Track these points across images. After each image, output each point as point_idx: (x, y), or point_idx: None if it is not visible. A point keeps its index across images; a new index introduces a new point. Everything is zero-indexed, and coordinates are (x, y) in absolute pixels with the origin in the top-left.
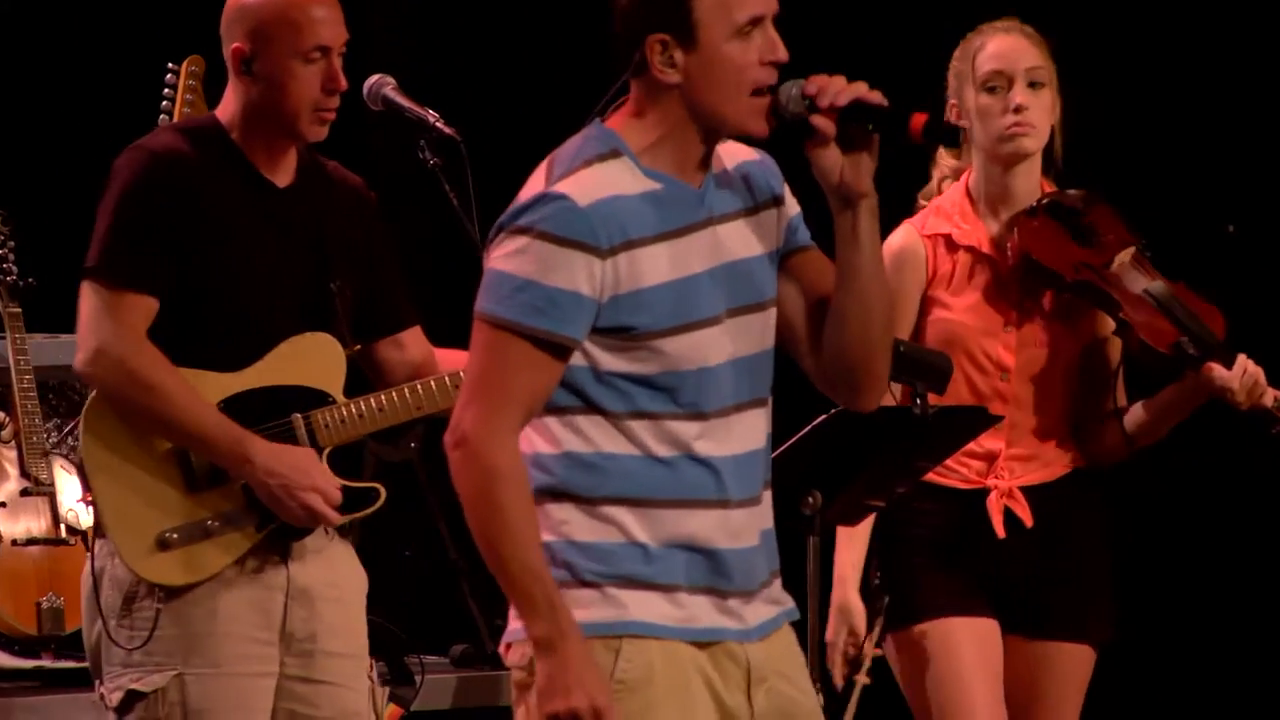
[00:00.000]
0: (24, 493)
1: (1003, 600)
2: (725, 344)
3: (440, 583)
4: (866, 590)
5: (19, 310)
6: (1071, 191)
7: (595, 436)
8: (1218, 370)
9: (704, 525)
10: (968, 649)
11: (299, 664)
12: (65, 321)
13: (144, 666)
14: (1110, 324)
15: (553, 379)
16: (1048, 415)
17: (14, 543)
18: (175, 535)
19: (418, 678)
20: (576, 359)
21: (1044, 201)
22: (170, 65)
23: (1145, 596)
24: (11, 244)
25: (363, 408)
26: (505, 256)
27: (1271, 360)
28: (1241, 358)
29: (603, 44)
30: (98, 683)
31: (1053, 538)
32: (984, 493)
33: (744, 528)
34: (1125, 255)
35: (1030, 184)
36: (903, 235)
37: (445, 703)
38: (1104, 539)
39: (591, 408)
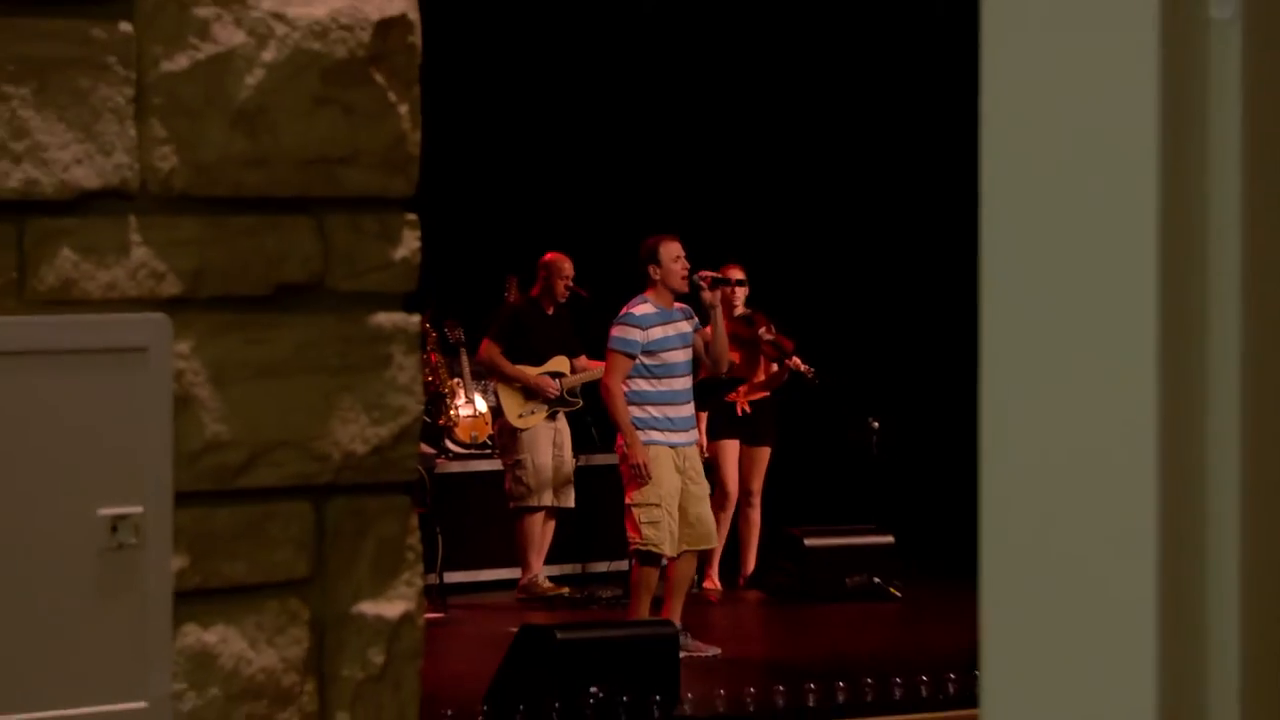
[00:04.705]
0: (465, 402)
1: (742, 433)
2: (682, 357)
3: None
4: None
5: (466, 351)
6: (746, 310)
7: (641, 385)
8: (789, 363)
9: (675, 409)
10: (729, 448)
11: (558, 460)
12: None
13: (520, 452)
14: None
15: (630, 365)
16: (749, 376)
17: (464, 416)
18: (523, 414)
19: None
20: (638, 360)
21: (736, 313)
22: (507, 278)
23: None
24: (462, 331)
25: (574, 377)
26: (618, 329)
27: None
28: (795, 357)
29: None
30: (502, 460)
31: (755, 417)
32: (735, 404)
33: (686, 408)
34: (764, 330)
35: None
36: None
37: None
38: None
39: (641, 375)
